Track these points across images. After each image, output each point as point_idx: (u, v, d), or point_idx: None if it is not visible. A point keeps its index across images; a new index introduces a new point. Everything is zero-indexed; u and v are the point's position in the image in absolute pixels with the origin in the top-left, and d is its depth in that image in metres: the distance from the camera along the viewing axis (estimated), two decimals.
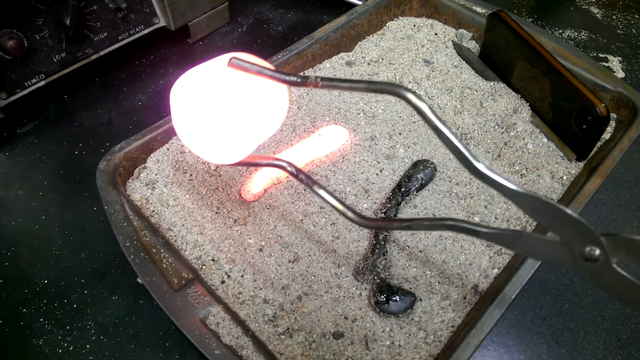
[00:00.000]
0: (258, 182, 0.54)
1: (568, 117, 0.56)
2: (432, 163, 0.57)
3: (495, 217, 0.53)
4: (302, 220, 0.53)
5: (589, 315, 0.53)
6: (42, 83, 0.65)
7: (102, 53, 0.68)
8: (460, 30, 0.70)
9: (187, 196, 0.52)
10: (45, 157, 0.64)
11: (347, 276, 0.49)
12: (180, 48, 0.77)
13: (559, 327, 0.52)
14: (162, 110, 0.67)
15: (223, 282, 0.46)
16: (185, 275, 0.45)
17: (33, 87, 0.64)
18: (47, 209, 0.59)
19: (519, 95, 0.63)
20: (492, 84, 0.64)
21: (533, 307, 0.54)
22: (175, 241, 0.49)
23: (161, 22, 0.71)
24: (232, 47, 0.78)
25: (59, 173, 0.62)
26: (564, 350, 0.51)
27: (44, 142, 0.65)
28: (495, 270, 0.49)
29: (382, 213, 0.53)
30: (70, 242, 0.57)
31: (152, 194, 0.52)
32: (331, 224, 0.53)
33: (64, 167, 0.63)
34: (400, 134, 0.61)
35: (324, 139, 0.60)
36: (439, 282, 0.48)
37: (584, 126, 0.54)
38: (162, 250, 0.47)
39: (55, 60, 0.64)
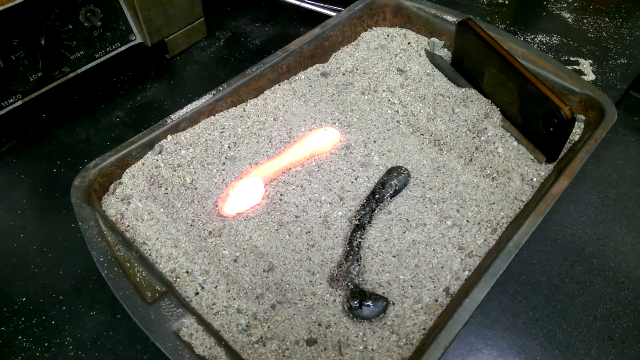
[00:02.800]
0: (238, 200, 0.55)
1: (536, 120, 0.57)
2: (406, 169, 0.58)
3: (467, 220, 0.54)
4: (277, 230, 0.53)
5: (581, 315, 0.54)
6: (19, 103, 0.65)
7: (79, 71, 0.69)
8: (433, 38, 0.72)
9: (162, 210, 0.53)
10: (24, 175, 0.64)
11: (321, 283, 0.49)
12: (158, 64, 0.78)
13: (552, 328, 0.53)
14: (140, 126, 0.68)
15: (197, 293, 0.47)
16: (159, 288, 0.46)
17: (10, 107, 0.65)
18: (25, 226, 0.60)
19: (490, 101, 0.64)
20: (463, 90, 0.65)
21: (526, 309, 0.54)
22: (150, 254, 0.50)
23: (137, 39, 0.72)
24: (210, 61, 0.79)
25: (37, 191, 0.63)
26: (558, 351, 0.51)
27: (22, 161, 0.66)
28: (467, 272, 0.49)
29: (356, 220, 0.53)
30: (48, 259, 0.57)
31: (127, 208, 0.53)
32: (306, 233, 0.53)
33: (42, 185, 0.63)
34: (375, 141, 0.62)
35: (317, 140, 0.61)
36: (411, 286, 0.49)
37: (551, 129, 0.55)
38: (135, 264, 0.47)
39: (32, 79, 0.65)
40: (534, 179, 0.57)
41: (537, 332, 0.53)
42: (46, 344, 0.51)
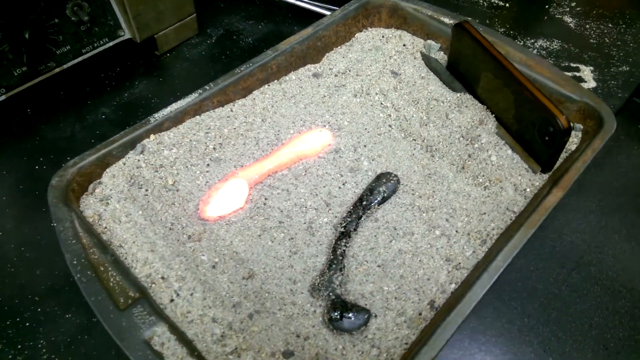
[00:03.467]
0: (221, 203, 0.53)
1: (532, 128, 0.55)
2: (396, 176, 0.56)
3: (457, 231, 0.52)
4: (260, 236, 0.52)
5: (577, 323, 0.53)
6: (3, 97, 0.64)
7: (65, 66, 0.67)
8: (429, 41, 0.70)
9: (140, 212, 0.51)
10: (5, 172, 0.63)
11: (302, 293, 0.48)
12: (147, 60, 0.76)
13: (546, 336, 0.52)
14: (126, 124, 0.66)
15: (172, 300, 0.45)
16: (133, 294, 0.44)
17: None
18: (4, 225, 0.58)
19: (485, 107, 0.62)
20: (458, 95, 0.63)
21: (521, 315, 0.53)
22: (126, 258, 0.48)
23: (126, 35, 0.71)
24: (201, 58, 0.77)
25: (18, 188, 0.61)
26: (552, 359, 0.50)
27: (4, 157, 0.64)
28: (453, 285, 0.48)
29: (342, 227, 0.52)
30: (25, 259, 0.56)
31: (105, 210, 0.51)
32: (289, 239, 0.52)
33: (23, 183, 0.62)
34: (365, 146, 0.60)
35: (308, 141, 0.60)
36: (395, 298, 0.47)
37: (547, 138, 0.53)
38: (110, 269, 0.45)
39: (16, 74, 0.63)
40: (528, 190, 0.55)
41: (531, 340, 0.52)
42: (19, 346, 0.50)
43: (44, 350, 0.49)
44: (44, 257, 0.56)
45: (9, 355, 0.49)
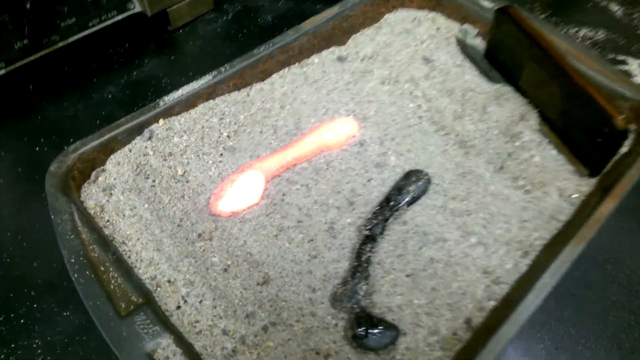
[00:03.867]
0: (235, 197, 0.48)
1: (580, 127, 0.50)
2: (426, 174, 0.51)
3: (495, 239, 0.47)
4: (276, 236, 0.47)
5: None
6: (2, 72, 0.59)
7: (69, 40, 0.62)
8: (465, 25, 0.64)
9: (146, 205, 0.46)
10: (4, 152, 0.58)
11: (322, 303, 0.43)
12: (158, 36, 0.71)
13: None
14: (133, 105, 0.61)
15: (179, 307, 0.41)
16: (135, 299, 0.40)
17: None
18: (1, 211, 0.54)
19: (527, 100, 0.56)
20: (497, 86, 0.58)
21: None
22: (129, 257, 0.43)
23: (137, 8, 0.66)
24: (216, 36, 0.72)
25: (16, 171, 0.57)
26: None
27: (3, 137, 0.60)
28: (492, 302, 0.43)
29: (366, 230, 0.47)
30: (22, 249, 0.52)
31: (108, 201, 0.47)
32: (309, 241, 0.47)
33: (22, 165, 0.57)
34: (393, 139, 0.55)
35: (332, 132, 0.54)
36: (426, 314, 0.42)
37: (599, 139, 0.48)
38: (111, 269, 0.41)
39: (16, 47, 0.59)
40: (574, 195, 0.49)
41: (543, 336, 0.49)
42: (13, 345, 0.46)
43: (39, 351, 0.46)
44: (42, 248, 0.52)
45: (1, 354, 0.45)
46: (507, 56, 0.58)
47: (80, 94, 0.64)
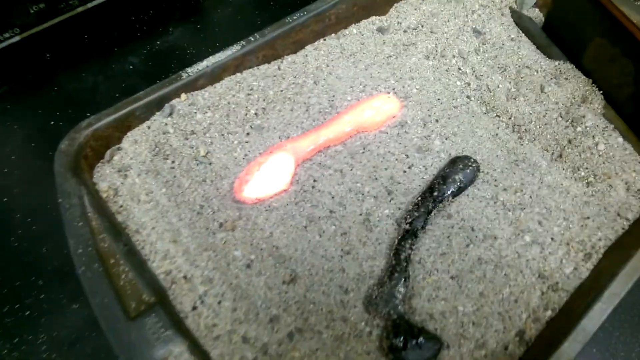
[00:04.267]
0: (262, 181, 0.44)
1: None
2: (475, 161, 0.45)
3: (552, 238, 0.41)
4: (306, 227, 0.42)
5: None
6: (17, 39, 0.55)
7: (89, 5, 0.57)
8: None
9: (164, 190, 0.42)
10: (17, 126, 0.55)
11: (355, 306, 0.38)
12: (185, 3, 0.66)
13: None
14: (156, 77, 0.56)
15: (195, 308, 0.36)
16: (147, 299, 0.35)
17: (6, 43, 0.55)
18: (11, 189, 0.50)
19: (591, 80, 0.50)
20: (557, 63, 0.52)
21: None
22: (143, 248, 0.39)
23: None
24: (246, 4, 0.66)
25: (29, 146, 0.53)
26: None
27: (17, 108, 0.56)
28: (549, 313, 0.38)
29: (406, 223, 0.42)
30: (32, 232, 0.48)
31: (122, 183, 0.42)
32: (342, 234, 0.42)
33: (35, 140, 0.54)
34: (437, 121, 0.49)
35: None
36: (473, 323, 0.37)
37: None
38: (122, 262, 0.37)
39: (32, 11, 0.54)
40: None
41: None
42: (17, 339, 0.43)
43: (45, 347, 0.42)
44: (53, 232, 0.48)
45: (4, 349, 0.42)
46: (569, 29, 0.51)
47: (100, 64, 0.59)
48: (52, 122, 0.55)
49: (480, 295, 0.39)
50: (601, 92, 0.49)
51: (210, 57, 0.48)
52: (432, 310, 0.38)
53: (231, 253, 0.40)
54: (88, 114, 0.49)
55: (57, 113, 0.55)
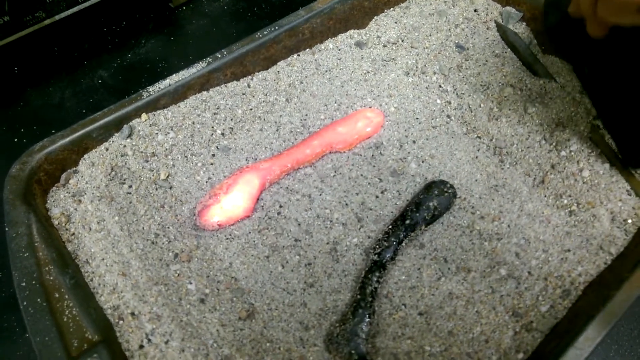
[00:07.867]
0: (223, 208, 0.41)
1: None
2: (452, 186, 0.43)
3: (529, 272, 0.39)
4: (268, 257, 0.40)
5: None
6: None
7: (57, 18, 0.55)
8: (507, 8, 0.55)
9: (117, 218, 0.40)
10: None
11: (315, 345, 0.36)
12: (159, 14, 0.63)
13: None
14: (125, 92, 0.55)
15: (141, 347, 0.34)
16: (91, 337, 0.33)
17: None
18: None
19: (588, 99, 0.47)
20: (542, 82, 0.49)
21: None
22: (92, 280, 0.37)
23: None
24: (222, 15, 0.64)
25: None
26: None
27: None
28: (521, 355, 0.35)
29: (375, 254, 0.39)
30: None
31: (76, 209, 0.40)
32: (306, 265, 0.40)
33: None
34: (414, 142, 0.47)
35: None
36: None
37: None
38: (66, 296, 0.35)
39: None
40: (630, 221, 0.41)
41: None
42: None
43: None
44: (6, 259, 0.45)
45: None
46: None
47: (69, 78, 0.57)
48: (15, 140, 0.53)
49: (449, 334, 0.36)
50: (592, 116, 0.46)
51: (174, 75, 0.46)
52: (397, 349, 0.35)
53: (184, 287, 0.37)
54: (53, 131, 0.47)
55: (22, 130, 0.53)
